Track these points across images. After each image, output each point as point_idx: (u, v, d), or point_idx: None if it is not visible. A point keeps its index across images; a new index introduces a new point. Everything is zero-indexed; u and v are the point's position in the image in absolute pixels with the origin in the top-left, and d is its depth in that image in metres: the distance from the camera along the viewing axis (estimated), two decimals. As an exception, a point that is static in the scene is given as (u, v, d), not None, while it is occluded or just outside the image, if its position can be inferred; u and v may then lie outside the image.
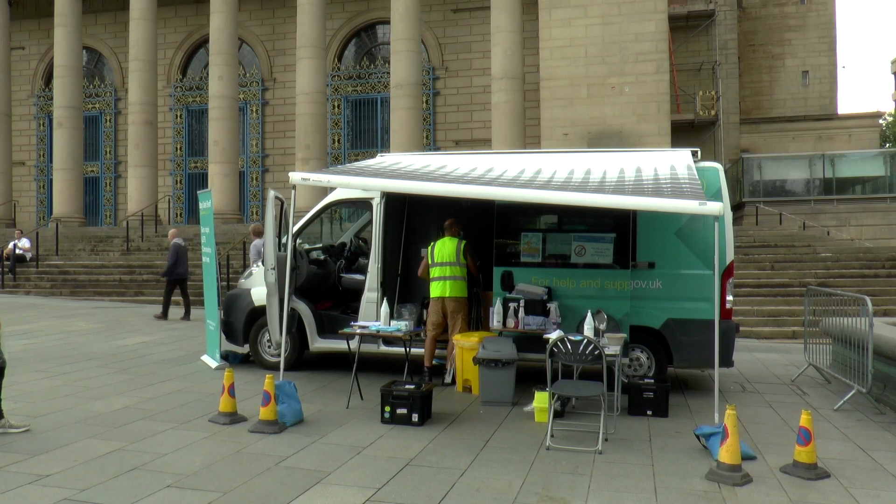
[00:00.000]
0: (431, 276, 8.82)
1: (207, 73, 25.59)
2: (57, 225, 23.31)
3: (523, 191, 6.97)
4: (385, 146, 24.89)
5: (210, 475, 5.41)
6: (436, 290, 8.77)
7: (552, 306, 8.31)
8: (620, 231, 8.49)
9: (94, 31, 29.55)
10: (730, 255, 8.29)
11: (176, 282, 15.21)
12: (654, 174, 7.76)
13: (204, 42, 27.54)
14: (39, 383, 8.62)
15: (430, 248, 8.91)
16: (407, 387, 7.05)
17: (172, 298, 15.40)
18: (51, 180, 28.10)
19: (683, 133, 24.24)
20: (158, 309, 15.54)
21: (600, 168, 8.26)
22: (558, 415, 6.95)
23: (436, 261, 8.77)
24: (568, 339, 6.42)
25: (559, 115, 21.42)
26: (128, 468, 5.54)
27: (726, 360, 8.27)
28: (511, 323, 8.27)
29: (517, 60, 21.77)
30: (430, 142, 25.70)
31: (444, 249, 8.75)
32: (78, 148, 26.13)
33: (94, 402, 7.69)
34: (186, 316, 15.11)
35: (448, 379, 8.77)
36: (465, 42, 25.96)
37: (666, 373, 8.55)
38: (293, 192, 7.67)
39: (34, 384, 8.55)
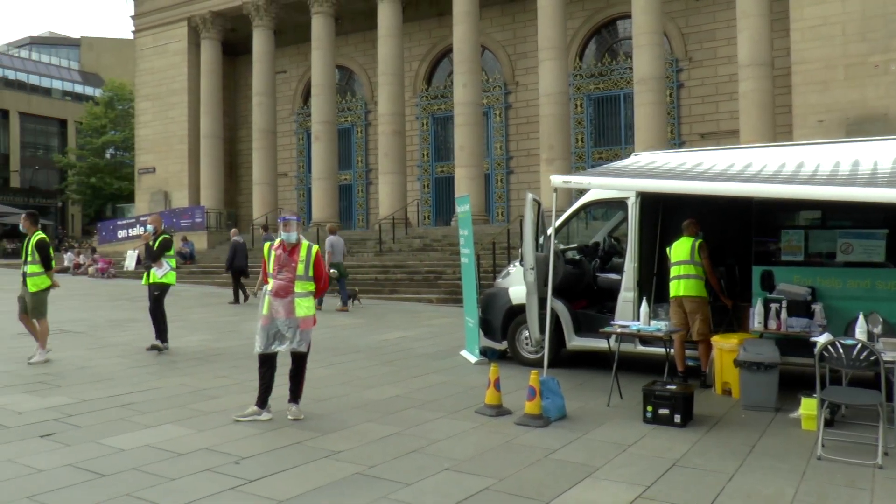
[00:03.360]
0: (670, 276, 8.66)
1: (451, 82, 26.67)
2: (317, 230, 25.43)
3: (785, 187, 6.65)
4: (628, 143, 24.42)
5: (483, 462, 5.66)
6: (673, 289, 8.61)
7: (817, 307, 7.77)
8: (893, 227, 7.73)
9: (345, 51, 31.85)
10: None
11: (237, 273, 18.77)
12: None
13: (447, 52, 28.69)
14: (317, 371, 9.43)
15: (669, 248, 8.76)
16: (669, 387, 6.92)
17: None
18: (309, 189, 30.75)
19: (969, 115, 21.38)
20: (408, 305, 16.72)
21: (870, 159, 7.60)
22: (828, 423, 6.45)
23: (672, 260, 8.62)
24: (839, 342, 5.97)
25: (813, 101, 19.70)
26: (407, 451, 5.94)
27: None
28: (773, 325, 7.82)
29: (765, 46, 20.44)
30: (674, 136, 24.83)
31: (679, 249, 8.58)
32: (333, 159, 28.50)
33: (366, 391, 8.33)
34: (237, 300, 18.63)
35: (709, 381, 8.47)
36: (708, 30, 24.81)
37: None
38: (554, 194, 7.79)
39: (312, 372, 9.28)
